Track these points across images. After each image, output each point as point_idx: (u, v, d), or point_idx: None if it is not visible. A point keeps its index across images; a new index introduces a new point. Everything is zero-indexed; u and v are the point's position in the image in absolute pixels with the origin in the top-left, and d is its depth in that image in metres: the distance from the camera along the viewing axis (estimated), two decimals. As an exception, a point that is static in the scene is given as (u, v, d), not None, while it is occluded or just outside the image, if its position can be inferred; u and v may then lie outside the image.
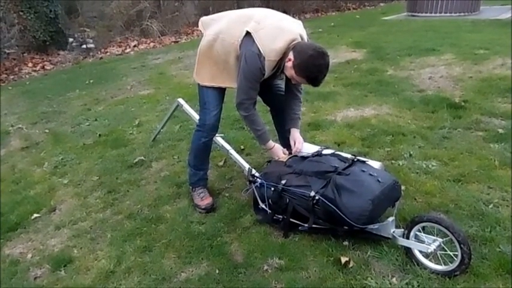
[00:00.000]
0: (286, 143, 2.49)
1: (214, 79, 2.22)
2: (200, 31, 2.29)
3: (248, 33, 1.99)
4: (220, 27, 2.15)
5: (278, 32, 2.00)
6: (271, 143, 2.26)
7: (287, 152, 2.29)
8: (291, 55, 1.97)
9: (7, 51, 8.02)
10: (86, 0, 10.33)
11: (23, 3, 7.95)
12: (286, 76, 2.13)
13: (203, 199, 2.39)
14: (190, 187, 2.49)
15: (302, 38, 2.06)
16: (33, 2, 7.99)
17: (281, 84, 2.38)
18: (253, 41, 1.96)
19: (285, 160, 2.22)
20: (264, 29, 1.99)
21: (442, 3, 8.67)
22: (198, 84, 2.29)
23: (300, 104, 2.35)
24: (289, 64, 1.98)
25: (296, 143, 2.28)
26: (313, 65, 1.94)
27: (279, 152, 2.28)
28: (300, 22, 2.15)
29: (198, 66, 2.27)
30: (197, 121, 2.44)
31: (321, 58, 1.94)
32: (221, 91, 2.29)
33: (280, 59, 2.01)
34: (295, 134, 2.32)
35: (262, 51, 1.95)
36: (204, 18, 2.31)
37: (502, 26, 6.85)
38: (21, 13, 8.00)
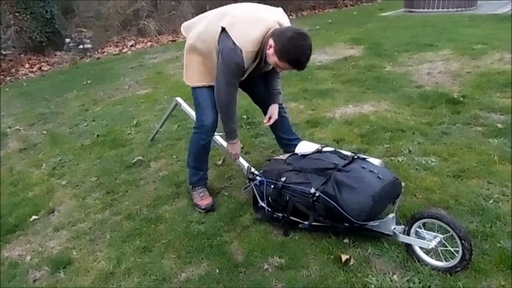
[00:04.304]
0: (283, 143, 2.56)
1: (204, 79, 2.22)
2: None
3: (223, 29, 1.97)
4: (200, 28, 2.15)
5: (253, 21, 1.98)
6: (237, 139, 2.31)
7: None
8: (270, 41, 1.93)
9: (3, 52, 7.98)
10: (82, 0, 10.28)
11: (19, 4, 7.91)
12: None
13: (203, 199, 2.38)
14: (190, 186, 2.48)
15: (280, 25, 2.02)
16: (29, 3, 7.95)
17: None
18: (228, 35, 1.94)
19: (238, 155, 2.34)
20: (238, 21, 1.97)
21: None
22: (191, 87, 2.30)
23: (279, 80, 2.39)
24: (270, 51, 1.94)
25: (272, 117, 2.34)
26: (294, 47, 1.88)
27: (238, 147, 2.34)
28: (280, 9, 2.12)
29: (186, 69, 2.29)
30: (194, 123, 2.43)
31: (302, 39, 1.89)
32: (213, 90, 2.27)
33: (259, 49, 1.98)
34: (273, 108, 2.36)
35: (237, 44, 1.92)
36: (185, 23, 2.32)
37: (500, 20, 6.85)
38: (17, 14, 7.96)
